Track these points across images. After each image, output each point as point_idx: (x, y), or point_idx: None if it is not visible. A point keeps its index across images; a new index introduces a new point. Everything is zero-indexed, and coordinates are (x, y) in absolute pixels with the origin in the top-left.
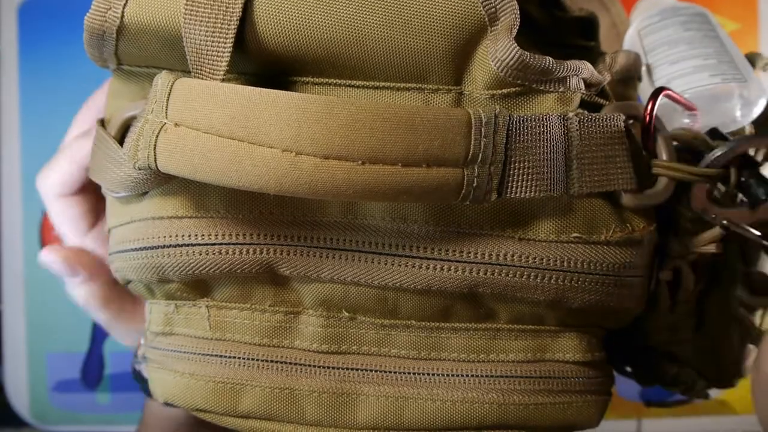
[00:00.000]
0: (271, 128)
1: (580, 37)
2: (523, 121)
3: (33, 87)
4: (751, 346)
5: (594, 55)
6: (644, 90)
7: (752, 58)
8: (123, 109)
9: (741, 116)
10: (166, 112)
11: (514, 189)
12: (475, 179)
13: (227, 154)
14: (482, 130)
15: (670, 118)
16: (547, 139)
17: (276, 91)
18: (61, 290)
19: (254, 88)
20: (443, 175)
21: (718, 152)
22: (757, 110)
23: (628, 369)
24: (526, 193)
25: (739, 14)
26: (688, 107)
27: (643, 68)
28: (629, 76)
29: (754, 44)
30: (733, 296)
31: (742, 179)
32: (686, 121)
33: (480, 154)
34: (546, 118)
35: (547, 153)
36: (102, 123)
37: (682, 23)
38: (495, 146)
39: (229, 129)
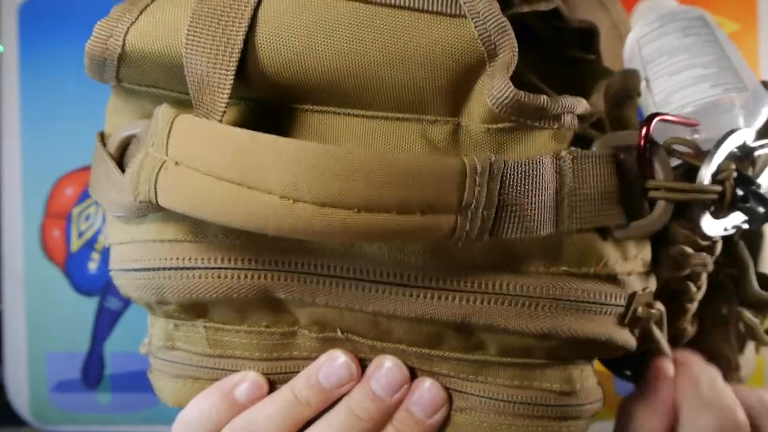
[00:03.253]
0: (269, 175)
1: (580, 50)
2: (517, 166)
3: (33, 88)
4: (752, 349)
5: (593, 69)
6: (645, 102)
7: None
8: (122, 128)
9: (744, 126)
10: (166, 149)
11: (506, 230)
12: (468, 223)
13: (226, 197)
14: (477, 179)
15: (674, 131)
16: (539, 183)
17: (274, 137)
18: (61, 290)
19: (253, 132)
20: (437, 222)
21: (705, 166)
22: (761, 119)
23: (628, 372)
24: (517, 233)
25: (739, 14)
26: (688, 124)
27: (642, 82)
28: (626, 95)
29: (754, 44)
30: (740, 294)
31: (740, 194)
32: (696, 136)
33: (474, 201)
34: (539, 162)
35: (538, 196)
36: (102, 138)
37: (681, 29)
38: (489, 193)
39: (228, 173)
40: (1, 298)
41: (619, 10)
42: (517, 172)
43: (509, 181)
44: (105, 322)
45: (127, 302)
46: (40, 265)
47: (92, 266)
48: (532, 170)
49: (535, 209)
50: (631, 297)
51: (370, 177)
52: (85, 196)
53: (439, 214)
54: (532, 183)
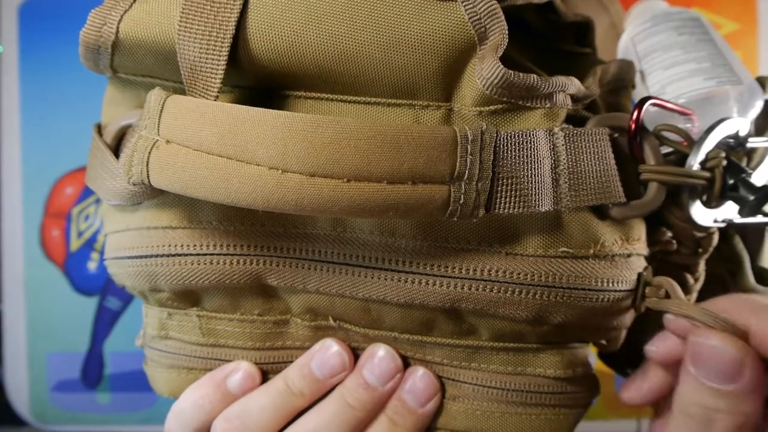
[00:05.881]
0: (258, 146)
1: (575, 43)
2: (509, 137)
3: (33, 87)
4: None
5: (588, 63)
6: (640, 95)
7: (763, 81)
8: (119, 117)
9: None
10: (158, 129)
11: (502, 205)
12: (462, 196)
13: (216, 171)
14: (468, 147)
15: (668, 121)
16: (534, 155)
17: (263, 109)
18: (61, 291)
19: (243, 106)
20: (429, 192)
21: (694, 153)
22: (754, 112)
23: (628, 371)
24: (514, 209)
25: (739, 14)
26: (682, 112)
27: (637, 75)
28: (621, 85)
29: (754, 44)
30: (737, 289)
31: (730, 182)
32: (688, 125)
33: (466, 171)
34: (532, 134)
35: (534, 169)
36: (98, 129)
37: (675, 28)
38: (482, 163)
39: (218, 147)
40: (1, 298)
41: (618, 9)
42: (511, 143)
43: (503, 152)
44: (104, 322)
45: (126, 302)
46: (39, 265)
47: (92, 266)
48: (526, 142)
49: (532, 183)
50: (639, 278)
51: (360, 145)
52: (84, 195)
53: (431, 185)
54: (527, 155)
